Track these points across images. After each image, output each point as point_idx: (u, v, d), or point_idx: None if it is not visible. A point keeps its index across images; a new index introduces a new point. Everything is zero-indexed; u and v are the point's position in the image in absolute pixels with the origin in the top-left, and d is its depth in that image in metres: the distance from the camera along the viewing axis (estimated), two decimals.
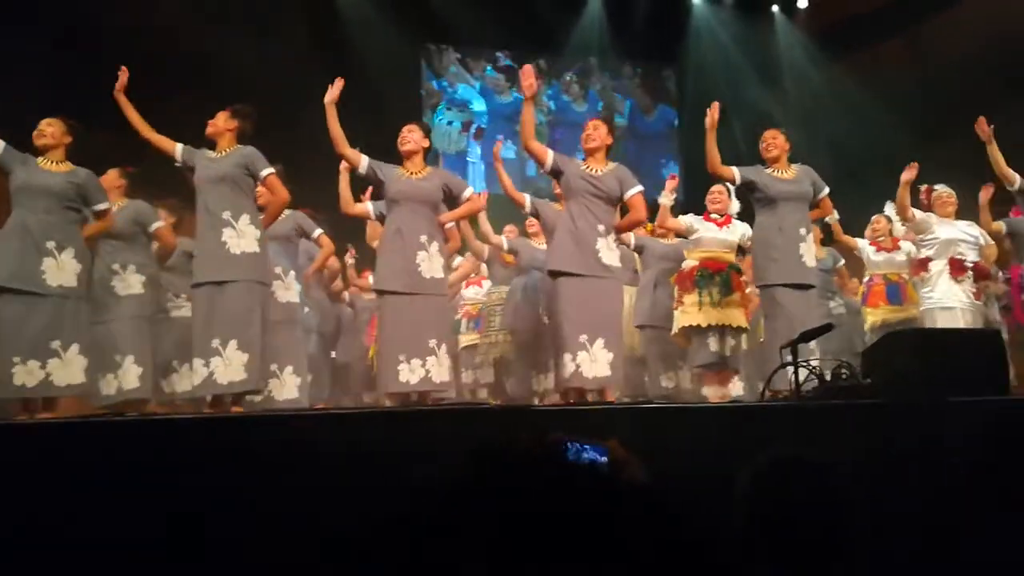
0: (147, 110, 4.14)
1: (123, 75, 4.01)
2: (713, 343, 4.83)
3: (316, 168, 8.16)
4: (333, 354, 6.63)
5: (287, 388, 4.57)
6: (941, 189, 5.32)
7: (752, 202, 4.59)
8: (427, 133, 4.30)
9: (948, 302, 4.96)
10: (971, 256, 5.08)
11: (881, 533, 2.14)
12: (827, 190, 4.63)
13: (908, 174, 5.08)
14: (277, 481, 2.07)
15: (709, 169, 4.48)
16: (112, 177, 4.67)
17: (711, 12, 11.46)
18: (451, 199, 4.30)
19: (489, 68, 11.32)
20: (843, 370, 3.25)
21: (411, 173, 4.15)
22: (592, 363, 3.86)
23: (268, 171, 4.08)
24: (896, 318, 5.60)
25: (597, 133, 4.17)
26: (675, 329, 4.96)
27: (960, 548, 1.63)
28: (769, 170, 4.50)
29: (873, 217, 6.06)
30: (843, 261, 6.40)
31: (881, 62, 11.27)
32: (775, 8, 11.63)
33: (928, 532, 2.08)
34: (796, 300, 4.31)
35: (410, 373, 3.92)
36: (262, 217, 4.13)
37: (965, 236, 5.13)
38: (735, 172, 4.45)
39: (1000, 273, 6.23)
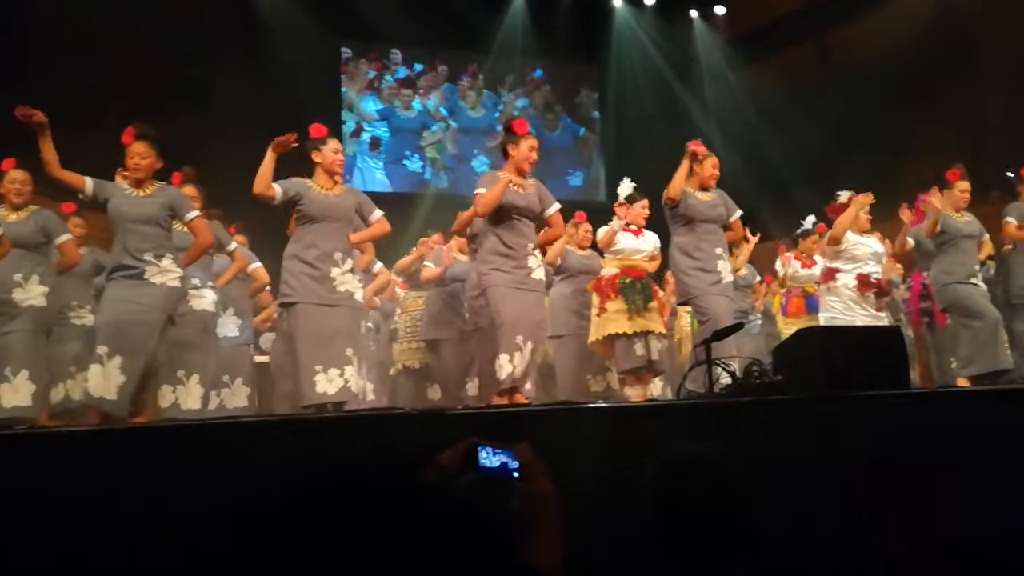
0: (57, 118, 3.91)
1: (38, 116, 3.71)
2: (639, 348, 4.95)
3: (233, 169, 7.97)
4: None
5: (192, 398, 4.49)
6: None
7: (668, 219, 4.68)
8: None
9: (850, 315, 5.15)
10: (876, 271, 5.28)
11: (784, 527, 2.20)
12: (739, 213, 4.77)
13: (863, 199, 5.22)
14: (176, 490, 2.00)
15: (669, 194, 4.52)
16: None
17: (632, 15, 11.64)
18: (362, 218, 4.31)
19: (389, 78, 11.20)
20: (755, 368, 3.34)
21: (327, 190, 4.12)
22: (524, 365, 3.96)
23: (193, 215, 4.10)
24: (814, 324, 5.82)
25: (534, 153, 4.21)
26: (597, 337, 5.03)
27: (861, 541, 1.68)
28: (693, 190, 4.61)
29: (810, 235, 6.22)
30: (759, 277, 6.64)
31: (794, 67, 11.68)
32: (694, 13, 11.90)
33: (830, 525, 2.14)
34: (718, 303, 4.47)
35: (328, 383, 3.88)
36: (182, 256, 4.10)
37: (874, 251, 5.34)
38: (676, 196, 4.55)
39: (902, 284, 6.57)
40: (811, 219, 6.25)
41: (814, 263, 6.08)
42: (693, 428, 2.58)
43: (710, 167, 4.63)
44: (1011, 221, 5.31)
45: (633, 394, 5.00)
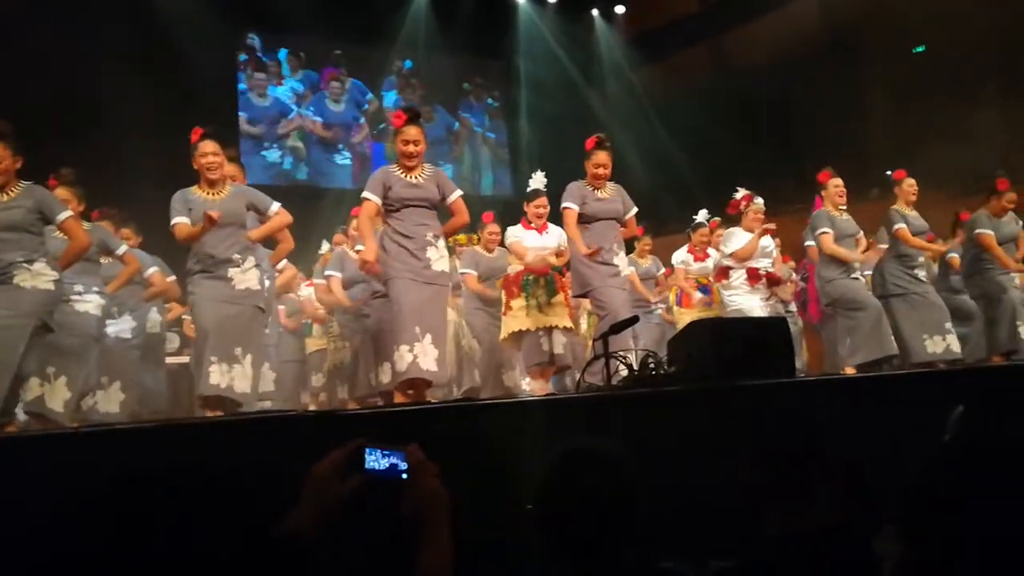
0: None
1: None
2: (544, 343, 4.99)
3: (122, 168, 7.58)
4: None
5: (56, 400, 4.28)
6: (758, 203, 5.64)
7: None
8: (236, 155, 4.25)
9: (746, 308, 5.36)
10: (766, 264, 5.49)
11: (674, 517, 2.24)
12: (635, 210, 4.84)
13: (767, 228, 5.46)
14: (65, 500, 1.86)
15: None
16: None
17: (535, 12, 11.71)
18: (259, 214, 4.23)
19: (289, 78, 10.90)
20: (650, 359, 3.40)
21: (212, 195, 4.02)
22: (424, 356, 3.91)
23: (65, 215, 3.87)
24: (709, 315, 6.00)
25: (420, 148, 4.16)
26: (505, 334, 5.09)
27: (752, 529, 1.71)
28: (591, 189, 4.67)
29: (701, 228, 6.40)
30: (664, 269, 6.81)
31: (690, 67, 12.05)
32: (595, 12, 12.09)
33: (719, 514, 2.19)
34: (616, 296, 4.53)
35: (220, 376, 3.86)
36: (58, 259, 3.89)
37: (763, 247, 5.54)
38: (572, 211, 4.58)
39: (794, 274, 6.88)
40: (703, 213, 6.44)
41: (707, 256, 6.27)
42: (589, 421, 2.60)
43: (593, 166, 4.65)
44: (902, 226, 5.54)
45: (534, 387, 5.05)
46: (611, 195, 4.71)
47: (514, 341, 5.12)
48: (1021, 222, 5.88)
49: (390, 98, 11.57)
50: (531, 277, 5.06)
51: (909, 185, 5.58)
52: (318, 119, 11.04)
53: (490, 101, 12.46)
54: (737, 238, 5.51)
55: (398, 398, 4.03)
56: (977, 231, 5.65)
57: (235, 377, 3.85)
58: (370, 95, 11.45)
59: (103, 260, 4.82)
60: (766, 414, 1.82)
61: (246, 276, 4.02)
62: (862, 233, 5.49)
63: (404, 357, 3.89)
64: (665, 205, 9.03)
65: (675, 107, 10.81)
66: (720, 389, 2.90)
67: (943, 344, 5.31)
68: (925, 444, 1.45)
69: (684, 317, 6.18)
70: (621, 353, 3.54)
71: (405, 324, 3.93)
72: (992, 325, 5.64)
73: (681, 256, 6.39)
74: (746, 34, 11.50)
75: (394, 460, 1.38)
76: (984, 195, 5.89)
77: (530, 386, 5.09)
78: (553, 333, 5.04)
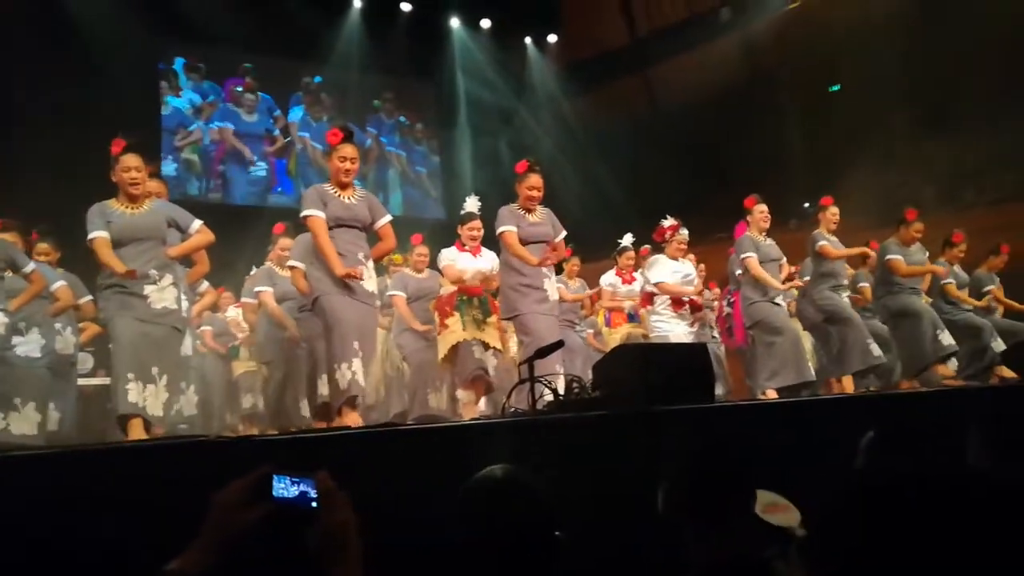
0: None
1: None
2: (477, 352, 4.96)
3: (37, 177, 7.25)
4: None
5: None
6: (683, 234, 5.73)
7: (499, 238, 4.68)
8: (158, 170, 4.10)
9: (671, 334, 5.44)
10: (688, 291, 5.60)
11: (596, 539, 2.22)
12: (564, 234, 4.86)
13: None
14: None
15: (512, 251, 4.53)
16: None
17: (469, 36, 11.79)
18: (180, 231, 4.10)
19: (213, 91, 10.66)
20: (575, 384, 3.40)
21: (131, 209, 3.89)
22: (360, 372, 3.86)
23: None
24: (638, 332, 6.09)
25: (356, 166, 4.13)
26: (443, 351, 5.01)
27: (668, 554, 1.70)
28: (523, 213, 4.67)
29: (627, 251, 6.49)
30: (591, 291, 6.88)
31: (623, 98, 12.32)
32: (528, 39, 12.24)
33: (641, 537, 2.18)
34: (542, 322, 4.51)
35: (138, 395, 3.72)
36: None
37: (685, 274, 5.65)
38: (513, 232, 4.55)
39: (716, 303, 7.05)
40: (628, 237, 6.54)
41: (634, 279, 6.35)
42: (513, 446, 2.57)
43: (526, 188, 4.64)
44: (825, 243, 5.75)
45: (469, 398, 4.97)
46: (542, 219, 4.73)
47: (451, 358, 5.02)
48: (927, 252, 6.17)
49: (296, 113, 11.36)
50: (465, 298, 5.05)
51: (832, 213, 5.81)
52: (229, 126, 10.73)
53: (403, 119, 12.37)
54: (660, 265, 5.60)
55: (317, 424, 3.94)
56: (888, 257, 5.91)
57: (148, 397, 3.70)
58: (278, 111, 11.23)
59: (7, 274, 4.58)
60: (685, 441, 1.83)
61: (163, 295, 3.89)
62: (785, 259, 5.65)
63: (345, 375, 3.82)
64: (595, 231, 9.17)
65: (606, 135, 11.02)
66: (643, 414, 2.92)
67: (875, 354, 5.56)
68: (837, 470, 1.47)
69: (614, 336, 6.27)
70: (547, 378, 3.53)
71: (346, 341, 3.86)
72: (913, 342, 5.86)
73: (609, 279, 6.48)
74: (675, 67, 11.85)
75: (304, 488, 1.31)
76: (894, 225, 6.18)
77: (465, 398, 4.97)
78: (486, 353, 5.00)
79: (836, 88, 11.09)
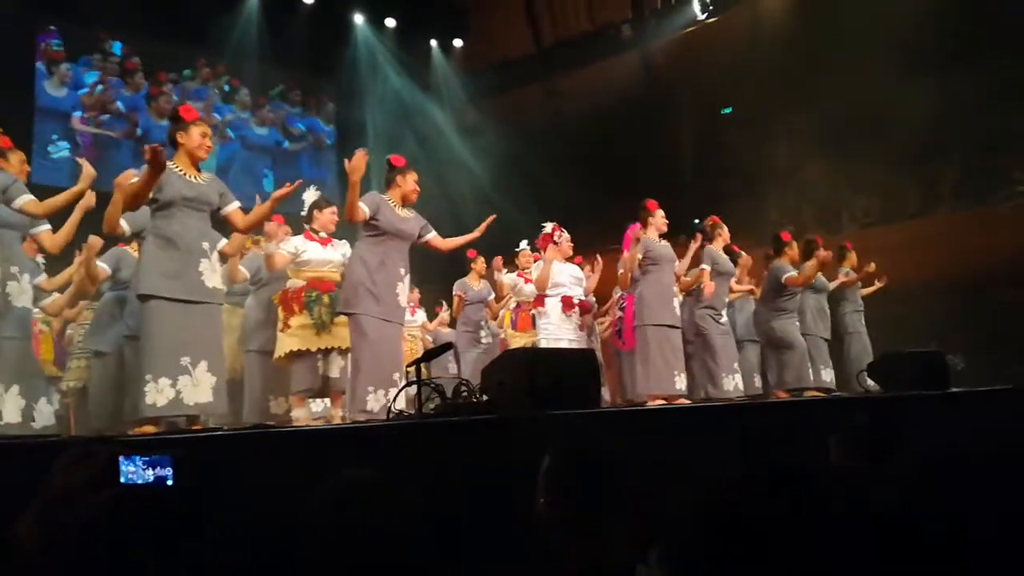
0: None
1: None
2: (320, 366, 4.68)
3: None
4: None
5: None
6: (565, 235, 5.79)
7: (360, 227, 4.43)
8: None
9: (559, 335, 5.49)
10: (578, 293, 5.67)
11: (478, 546, 2.21)
12: (432, 234, 4.63)
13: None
14: None
15: (348, 215, 4.24)
16: None
17: (373, 34, 11.63)
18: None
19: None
20: (463, 388, 3.38)
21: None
22: (195, 388, 3.53)
23: None
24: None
25: (207, 139, 3.84)
26: (280, 353, 4.66)
27: (548, 562, 1.70)
28: (393, 205, 4.46)
29: (523, 252, 6.54)
30: (494, 294, 6.89)
31: (524, 106, 12.43)
32: (433, 42, 12.19)
33: (521, 544, 2.18)
34: (380, 328, 4.25)
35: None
36: None
37: (573, 275, 5.72)
38: (366, 211, 4.28)
39: (616, 305, 7.18)
40: (524, 243, 6.65)
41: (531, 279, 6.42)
42: (383, 451, 2.52)
43: (412, 182, 4.52)
44: (706, 268, 5.94)
45: (299, 416, 4.65)
46: (412, 216, 4.53)
47: (289, 361, 4.67)
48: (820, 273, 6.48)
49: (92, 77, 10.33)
50: (315, 294, 4.67)
51: (723, 228, 6.12)
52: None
53: (299, 110, 12.02)
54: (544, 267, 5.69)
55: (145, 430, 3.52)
56: (786, 276, 6.13)
57: None
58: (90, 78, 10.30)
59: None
60: (563, 446, 1.83)
61: (22, 288, 3.77)
62: (678, 262, 5.78)
63: (165, 392, 3.46)
64: (489, 234, 9.18)
65: (507, 142, 11.10)
66: (527, 419, 2.93)
67: (733, 382, 5.78)
68: (702, 477, 1.50)
69: (518, 340, 6.28)
70: (435, 381, 3.50)
71: (163, 353, 3.49)
72: (782, 366, 6.13)
73: (511, 279, 6.51)
74: (577, 79, 12.07)
75: (158, 469, 1.32)
76: (768, 245, 6.49)
77: (294, 414, 4.68)
78: (331, 355, 4.69)
79: (727, 111, 11.57)
